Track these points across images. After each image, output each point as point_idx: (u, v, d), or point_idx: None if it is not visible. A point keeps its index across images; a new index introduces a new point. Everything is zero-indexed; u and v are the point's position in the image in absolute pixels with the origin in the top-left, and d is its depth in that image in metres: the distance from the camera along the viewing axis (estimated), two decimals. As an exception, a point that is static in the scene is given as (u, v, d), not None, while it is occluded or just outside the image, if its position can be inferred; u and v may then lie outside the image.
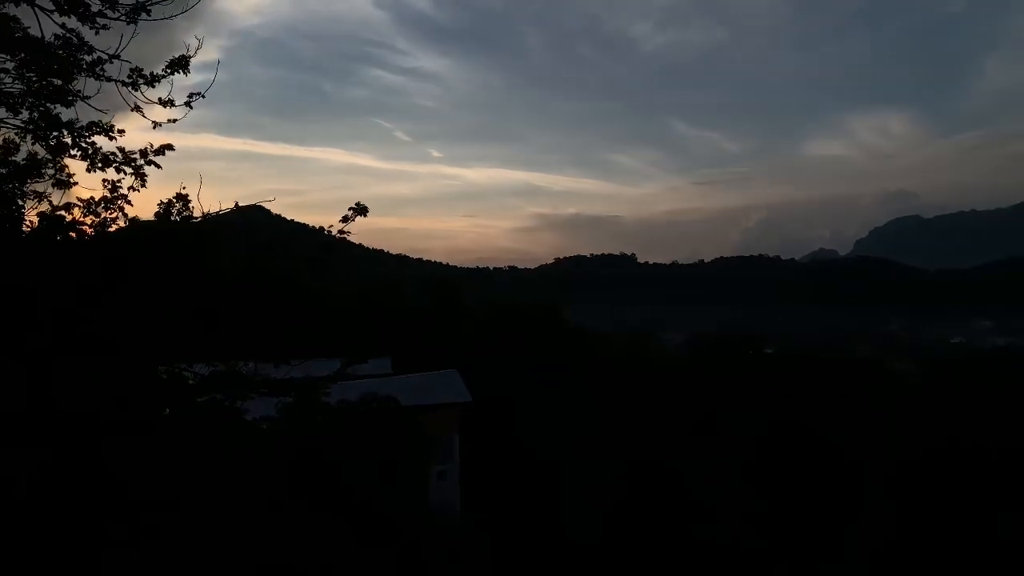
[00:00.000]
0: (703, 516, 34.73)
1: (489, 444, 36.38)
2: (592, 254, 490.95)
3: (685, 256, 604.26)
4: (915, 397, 47.20)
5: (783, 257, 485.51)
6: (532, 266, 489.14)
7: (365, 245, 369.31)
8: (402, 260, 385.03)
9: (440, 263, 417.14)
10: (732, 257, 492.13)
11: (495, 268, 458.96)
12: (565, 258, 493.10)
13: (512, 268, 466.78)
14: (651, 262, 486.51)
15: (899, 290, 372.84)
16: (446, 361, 36.54)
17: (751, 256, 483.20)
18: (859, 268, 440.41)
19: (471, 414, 31.83)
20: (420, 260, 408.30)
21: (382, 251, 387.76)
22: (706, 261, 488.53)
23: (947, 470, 36.25)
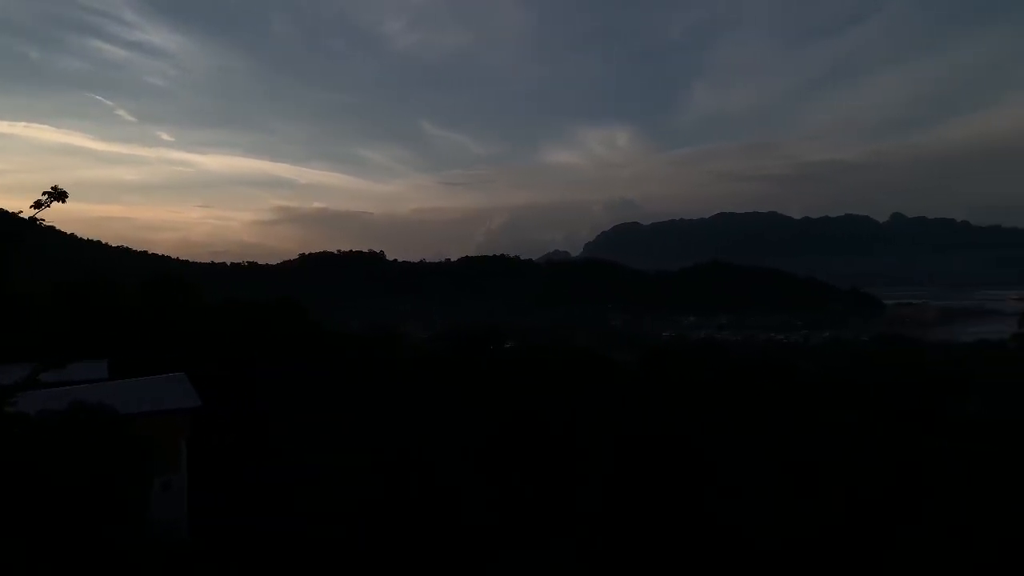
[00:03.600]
0: (450, 502, 35.74)
1: (224, 450, 34.32)
2: (339, 251, 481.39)
3: (433, 254, 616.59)
4: (632, 383, 52.75)
5: (522, 257, 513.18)
6: (274, 262, 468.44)
7: (78, 235, 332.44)
8: (123, 253, 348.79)
9: (169, 257, 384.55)
10: (477, 256, 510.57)
11: (233, 264, 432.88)
12: (310, 254, 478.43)
13: (252, 264, 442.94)
14: (400, 260, 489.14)
15: (621, 288, 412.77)
16: (174, 364, 33.73)
17: (494, 256, 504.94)
18: (587, 268, 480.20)
19: (202, 419, 29.70)
20: (145, 253, 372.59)
21: (98, 242, 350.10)
22: (452, 260, 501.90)
23: (656, 448, 40.91)
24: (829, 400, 47.98)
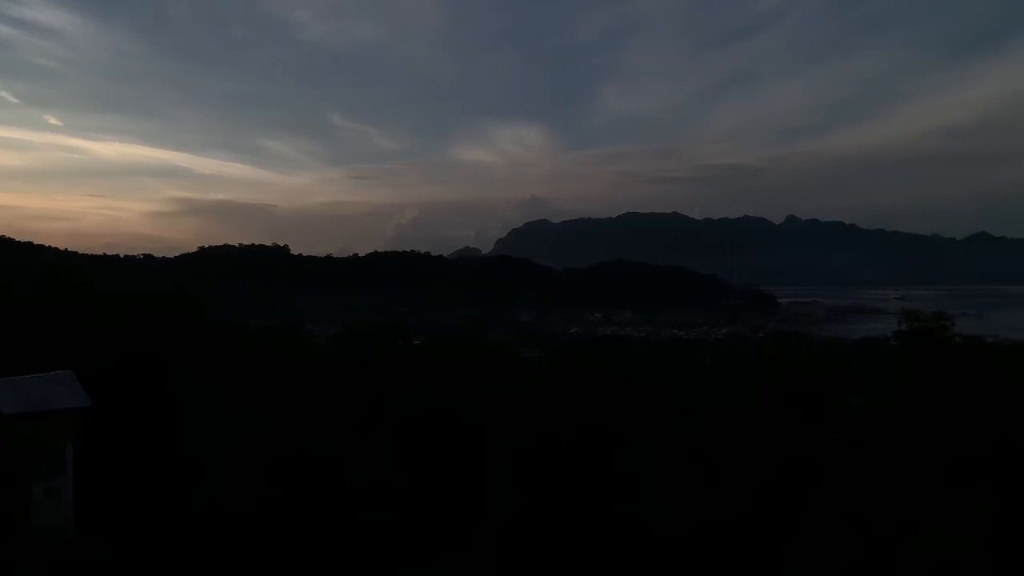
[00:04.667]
0: (362, 503, 35.28)
1: (117, 452, 32.64)
2: (241, 244, 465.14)
3: (340, 249, 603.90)
4: (539, 381, 53.40)
5: (433, 253, 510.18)
6: (171, 255, 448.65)
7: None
8: (6, 244, 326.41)
9: (57, 248, 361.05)
10: (386, 252, 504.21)
11: (127, 256, 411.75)
12: (210, 247, 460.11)
13: (148, 256, 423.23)
14: (305, 254, 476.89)
15: (531, 286, 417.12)
16: (61, 361, 31.82)
17: (404, 252, 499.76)
18: (498, 266, 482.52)
19: (92, 420, 28.15)
20: (31, 244, 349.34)
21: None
22: (361, 255, 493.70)
23: (564, 447, 41.52)
24: (728, 394, 49.89)
